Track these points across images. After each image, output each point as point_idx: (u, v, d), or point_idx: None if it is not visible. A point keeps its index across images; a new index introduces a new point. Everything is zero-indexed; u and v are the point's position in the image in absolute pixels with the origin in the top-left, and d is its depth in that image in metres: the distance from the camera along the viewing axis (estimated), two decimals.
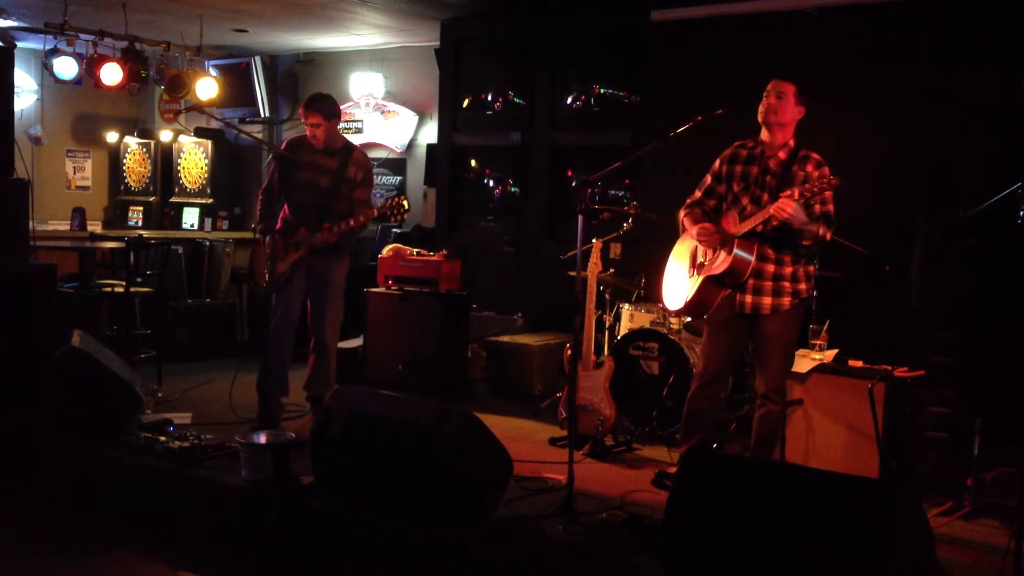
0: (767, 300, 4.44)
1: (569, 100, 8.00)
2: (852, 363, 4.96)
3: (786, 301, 4.45)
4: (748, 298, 4.45)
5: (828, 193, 4.30)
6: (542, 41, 8.04)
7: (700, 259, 4.63)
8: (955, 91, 5.83)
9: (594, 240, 5.78)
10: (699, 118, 4.41)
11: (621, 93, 7.78)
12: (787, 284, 4.45)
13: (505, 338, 7.14)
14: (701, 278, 4.54)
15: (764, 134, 4.53)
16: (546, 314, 7.47)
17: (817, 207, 4.27)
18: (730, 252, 4.39)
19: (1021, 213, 4.15)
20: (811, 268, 4.58)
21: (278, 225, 5.64)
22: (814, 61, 6.29)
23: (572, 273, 4.74)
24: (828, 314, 5.42)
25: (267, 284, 5.62)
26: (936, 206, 5.56)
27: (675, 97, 6.79)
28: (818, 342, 5.11)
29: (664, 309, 5.47)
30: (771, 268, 4.43)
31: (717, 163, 4.69)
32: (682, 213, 4.74)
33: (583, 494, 4.44)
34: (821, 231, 4.29)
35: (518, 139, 8.17)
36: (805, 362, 4.93)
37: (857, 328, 5.58)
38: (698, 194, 4.75)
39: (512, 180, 8.49)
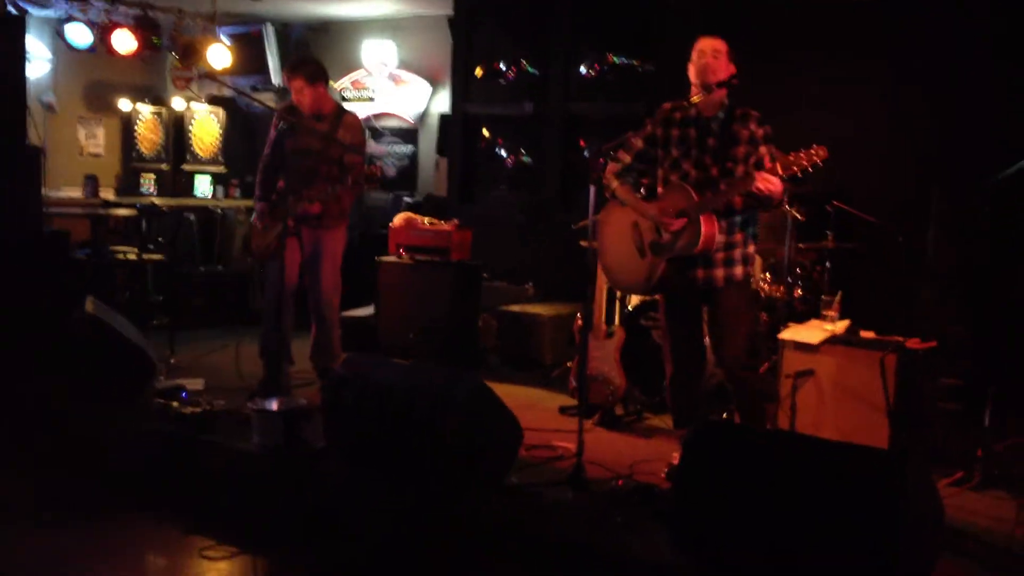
0: (719, 272, 4.28)
1: (583, 69, 7.95)
2: (864, 334, 4.93)
3: (739, 271, 4.31)
4: (700, 272, 4.29)
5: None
6: (556, 10, 7.98)
7: (651, 236, 4.35)
8: (973, 58, 5.77)
9: None
10: (713, 86, 4.32)
11: (635, 62, 7.72)
12: (737, 252, 4.31)
13: (516, 308, 7.14)
14: (663, 259, 4.29)
15: (697, 95, 4.29)
16: (557, 284, 7.46)
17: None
18: (696, 228, 4.16)
19: None
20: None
21: (273, 196, 5.60)
22: (829, 31, 6.25)
23: (584, 243, 4.74)
24: (841, 285, 5.40)
25: (254, 256, 5.63)
26: (952, 176, 5.53)
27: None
28: (830, 313, 5.07)
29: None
30: (721, 238, 4.25)
31: (649, 127, 4.44)
32: (615, 183, 4.46)
33: (593, 463, 4.45)
34: (785, 197, 4.18)
35: (531, 109, 8.13)
36: (817, 333, 4.91)
37: (870, 299, 5.56)
38: (628, 158, 4.48)
39: (524, 150, 8.46)
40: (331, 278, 5.68)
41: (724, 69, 4.27)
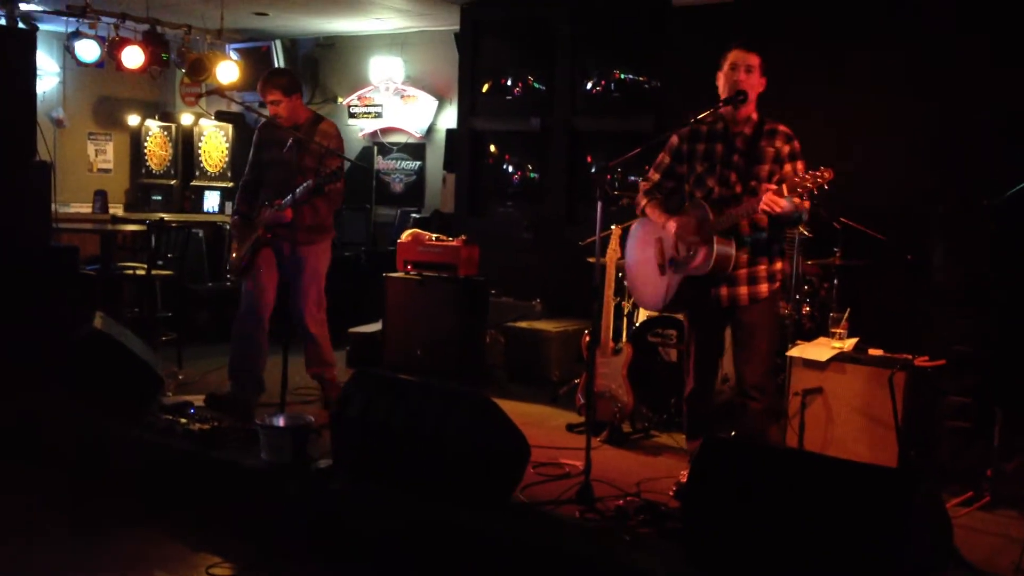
0: (743, 290, 4.23)
1: (589, 85, 7.97)
2: (872, 352, 4.92)
3: (763, 288, 4.24)
4: (724, 290, 4.24)
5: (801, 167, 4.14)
6: (562, 25, 8.02)
7: (671, 253, 4.36)
8: (980, 75, 5.78)
9: (613, 227, 5.76)
10: (720, 103, 4.26)
11: (641, 78, 7.74)
12: (762, 269, 4.24)
13: (523, 324, 7.14)
14: (679, 276, 4.30)
15: (725, 109, 4.27)
16: (564, 300, 7.47)
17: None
18: (711, 249, 4.13)
19: None
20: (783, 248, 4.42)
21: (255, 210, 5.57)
22: (836, 48, 6.27)
23: (591, 259, 4.74)
24: (849, 302, 5.39)
25: (230, 272, 5.62)
26: (960, 193, 5.52)
27: (696, 82, 6.72)
28: (838, 330, 5.07)
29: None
30: (744, 256, 4.21)
31: (675, 140, 4.41)
32: (643, 201, 4.46)
33: (600, 480, 4.44)
34: (804, 210, 4.10)
35: (537, 124, 8.15)
36: (825, 350, 4.91)
37: (878, 316, 5.55)
38: (656, 176, 4.47)
39: (531, 165, 8.48)
40: (314, 294, 5.57)
41: (756, 85, 4.23)
